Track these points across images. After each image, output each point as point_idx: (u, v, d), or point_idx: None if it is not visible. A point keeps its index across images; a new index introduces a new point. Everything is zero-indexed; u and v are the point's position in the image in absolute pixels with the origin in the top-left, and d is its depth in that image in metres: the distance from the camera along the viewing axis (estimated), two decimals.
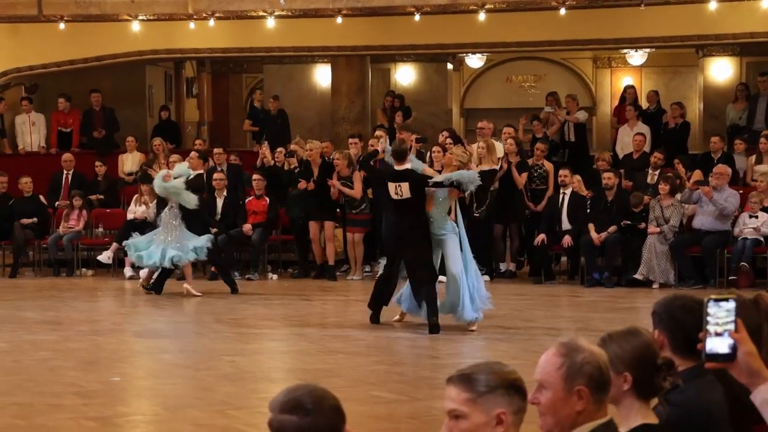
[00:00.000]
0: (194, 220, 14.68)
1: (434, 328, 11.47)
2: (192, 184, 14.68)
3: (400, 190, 11.63)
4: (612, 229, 15.58)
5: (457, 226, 11.81)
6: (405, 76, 23.81)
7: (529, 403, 3.40)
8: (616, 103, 22.24)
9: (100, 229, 17.78)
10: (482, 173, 12.83)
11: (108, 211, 18.07)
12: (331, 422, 3.05)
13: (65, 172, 18.50)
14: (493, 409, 3.24)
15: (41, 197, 17.76)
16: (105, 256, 16.77)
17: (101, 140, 20.36)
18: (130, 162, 19.50)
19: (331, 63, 22.23)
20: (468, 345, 11.26)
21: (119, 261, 16.89)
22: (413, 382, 9.08)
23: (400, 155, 11.78)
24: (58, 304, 14.18)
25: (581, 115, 19.76)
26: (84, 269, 17.27)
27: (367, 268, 16.80)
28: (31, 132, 20.62)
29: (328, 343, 11.19)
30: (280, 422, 3.04)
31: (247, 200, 16.96)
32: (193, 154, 15.89)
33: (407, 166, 11.74)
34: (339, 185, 16.22)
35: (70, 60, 20.70)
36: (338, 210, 16.69)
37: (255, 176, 17.02)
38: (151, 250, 14.49)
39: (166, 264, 14.49)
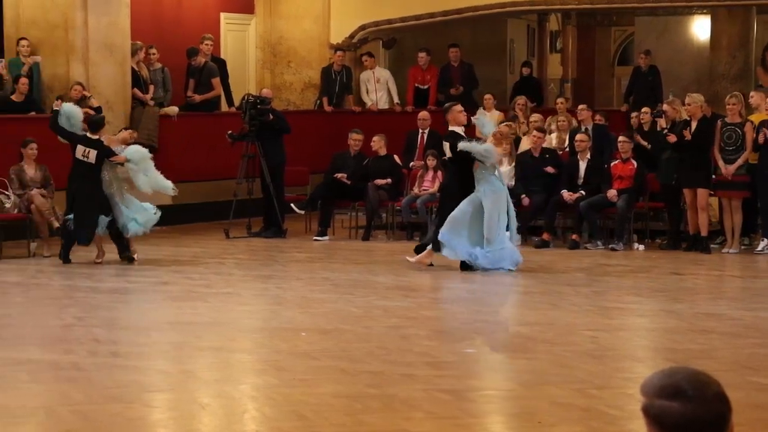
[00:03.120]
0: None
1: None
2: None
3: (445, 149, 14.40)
4: None
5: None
6: None
7: None
8: None
9: None
10: None
11: None
12: (716, 411, 2.89)
13: (420, 131, 18.82)
14: None
15: (395, 157, 18.17)
16: None
17: (459, 97, 20.59)
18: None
19: (710, 14, 21.57)
20: None
21: None
22: None
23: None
24: (412, 269, 14.47)
25: None
26: None
27: (746, 241, 16.23)
28: (376, 89, 21.18)
29: (701, 321, 10.88)
30: (660, 409, 2.90)
31: (612, 164, 16.73)
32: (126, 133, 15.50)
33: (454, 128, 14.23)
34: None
35: (429, 13, 21.10)
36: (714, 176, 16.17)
37: (621, 138, 16.76)
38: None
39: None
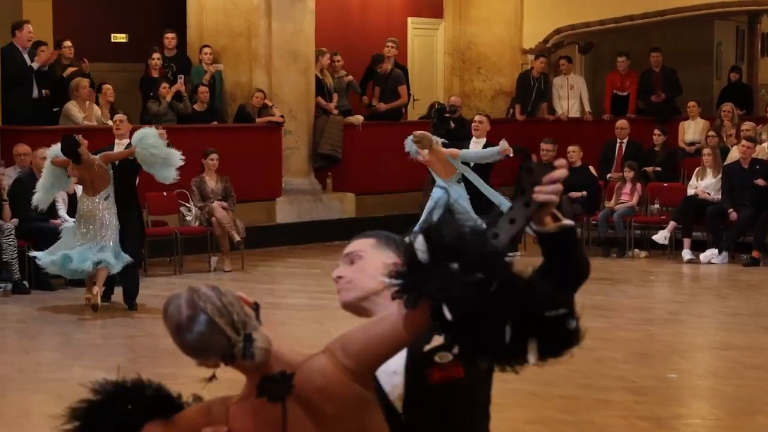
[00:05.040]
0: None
1: None
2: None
3: None
4: None
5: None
6: None
7: None
8: None
9: (656, 206, 17.69)
10: None
11: (665, 185, 17.93)
12: None
13: (618, 140, 18.55)
14: None
15: (591, 168, 17.89)
16: (661, 236, 16.69)
17: (660, 105, 20.27)
18: (692, 130, 19.30)
19: None
20: None
21: (677, 242, 16.69)
22: None
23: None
24: (608, 287, 14.22)
25: None
26: (637, 250, 17.22)
27: None
28: (568, 96, 20.89)
29: None
30: None
31: None
32: (118, 117, 13.62)
33: None
34: None
35: (629, 15, 20.78)
36: None
37: None
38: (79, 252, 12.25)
39: (90, 269, 12.27)
